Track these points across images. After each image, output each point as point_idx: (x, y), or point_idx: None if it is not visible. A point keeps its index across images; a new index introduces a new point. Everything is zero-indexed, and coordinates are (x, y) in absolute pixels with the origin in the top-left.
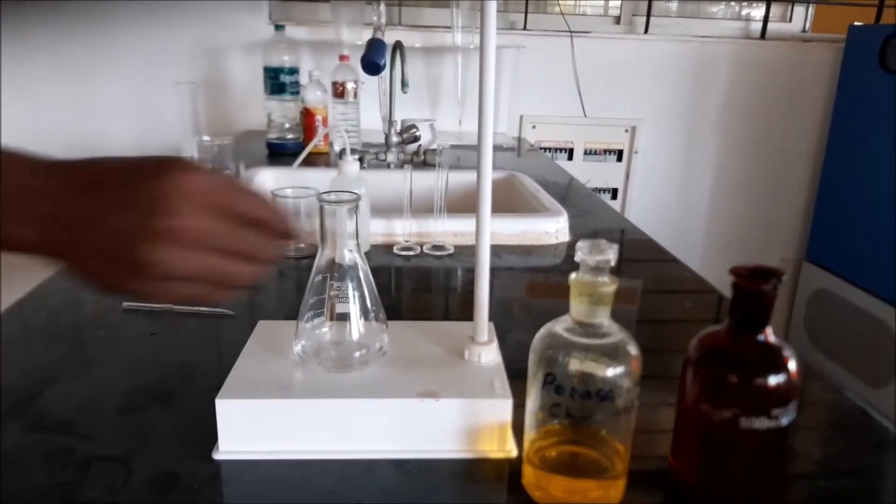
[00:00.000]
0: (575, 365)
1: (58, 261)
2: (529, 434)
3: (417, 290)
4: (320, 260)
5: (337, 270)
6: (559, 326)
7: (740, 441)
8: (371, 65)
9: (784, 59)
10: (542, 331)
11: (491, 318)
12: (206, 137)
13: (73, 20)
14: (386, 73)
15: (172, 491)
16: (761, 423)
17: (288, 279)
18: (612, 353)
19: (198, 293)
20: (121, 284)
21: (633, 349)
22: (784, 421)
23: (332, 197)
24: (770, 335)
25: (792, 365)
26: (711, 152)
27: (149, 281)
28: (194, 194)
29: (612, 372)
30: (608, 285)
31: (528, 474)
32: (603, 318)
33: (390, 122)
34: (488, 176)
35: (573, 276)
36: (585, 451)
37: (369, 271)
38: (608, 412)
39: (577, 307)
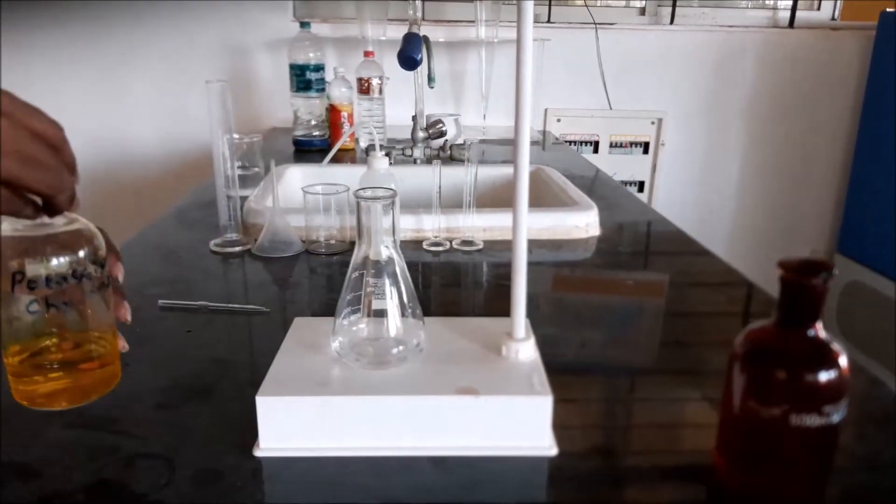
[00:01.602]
0: (38, 257)
1: None
2: (12, 348)
3: (447, 286)
4: (357, 256)
5: (373, 267)
6: (7, 227)
7: (790, 438)
8: (408, 60)
9: (813, 48)
10: None
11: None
12: (235, 135)
13: (100, 20)
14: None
15: (216, 488)
16: (812, 421)
17: (318, 275)
18: (73, 238)
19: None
20: None
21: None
22: (835, 418)
23: (368, 193)
24: (820, 330)
25: (843, 360)
26: (738, 144)
27: None
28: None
29: (75, 256)
30: None
31: (19, 391)
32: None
33: (416, 118)
34: (525, 171)
35: None
36: (73, 340)
37: (406, 267)
38: (86, 293)
39: None
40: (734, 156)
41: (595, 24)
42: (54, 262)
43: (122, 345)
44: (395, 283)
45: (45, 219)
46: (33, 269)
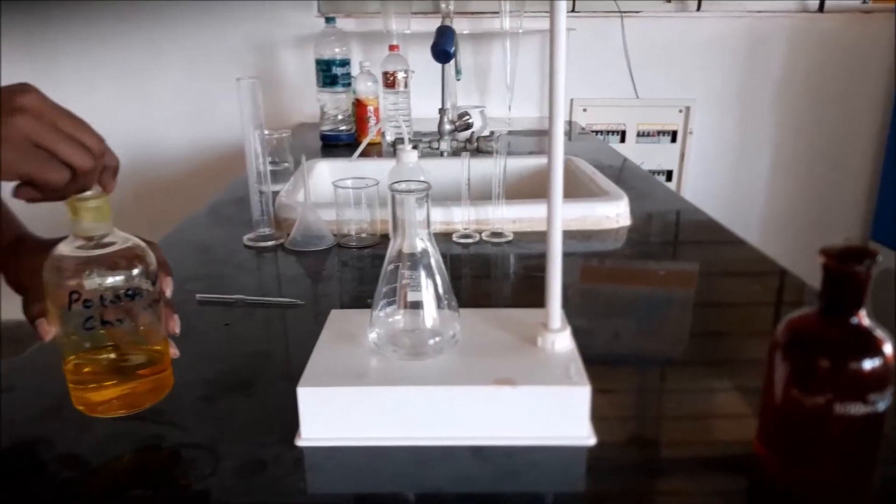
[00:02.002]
0: (94, 276)
1: None
2: (69, 358)
3: (478, 278)
4: (392, 249)
5: (409, 259)
6: (66, 248)
7: (834, 427)
8: (441, 53)
9: (843, 32)
10: (50, 258)
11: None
12: (265, 131)
13: (125, 20)
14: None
15: (260, 477)
16: (857, 409)
17: (350, 268)
18: (127, 257)
19: (34, 163)
20: None
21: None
22: (881, 406)
23: (403, 186)
24: (864, 318)
25: (888, 348)
26: (768, 131)
27: None
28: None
29: (129, 274)
30: (95, 198)
31: (78, 398)
32: (105, 229)
33: (443, 111)
34: (559, 161)
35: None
36: (129, 351)
37: (441, 260)
38: (139, 309)
39: (79, 224)
40: (765, 143)
41: (620, 12)
42: (109, 280)
43: (174, 352)
44: (431, 274)
45: (102, 239)
46: (89, 287)
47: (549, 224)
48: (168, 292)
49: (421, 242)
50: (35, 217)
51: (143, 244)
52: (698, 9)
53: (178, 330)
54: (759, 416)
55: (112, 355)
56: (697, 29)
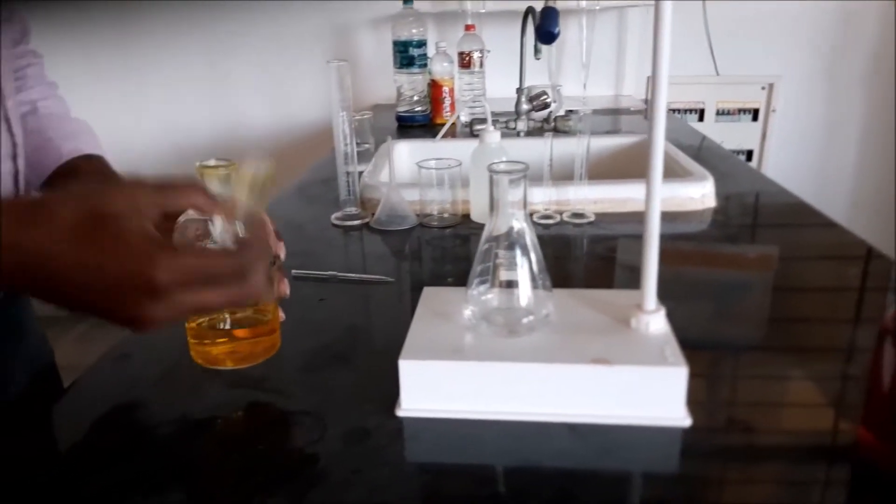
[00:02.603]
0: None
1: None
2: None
3: (559, 259)
4: (489, 228)
5: (505, 238)
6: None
7: None
8: (546, 34)
9: None
10: (179, 221)
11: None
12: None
13: (209, 4)
14: (516, 40)
15: (364, 444)
16: None
17: (433, 247)
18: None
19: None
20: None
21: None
22: None
23: (502, 167)
24: None
25: None
26: (858, 110)
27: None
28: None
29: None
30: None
31: (196, 352)
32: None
33: (521, 90)
34: (660, 143)
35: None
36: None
37: (536, 239)
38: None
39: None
40: (853, 123)
41: None
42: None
43: (282, 315)
44: (526, 254)
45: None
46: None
47: (647, 205)
48: (282, 255)
49: (517, 223)
50: None
51: (262, 213)
52: None
53: (288, 292)
54: (865, 403)
55: (228, 313)
56: (784, 2)
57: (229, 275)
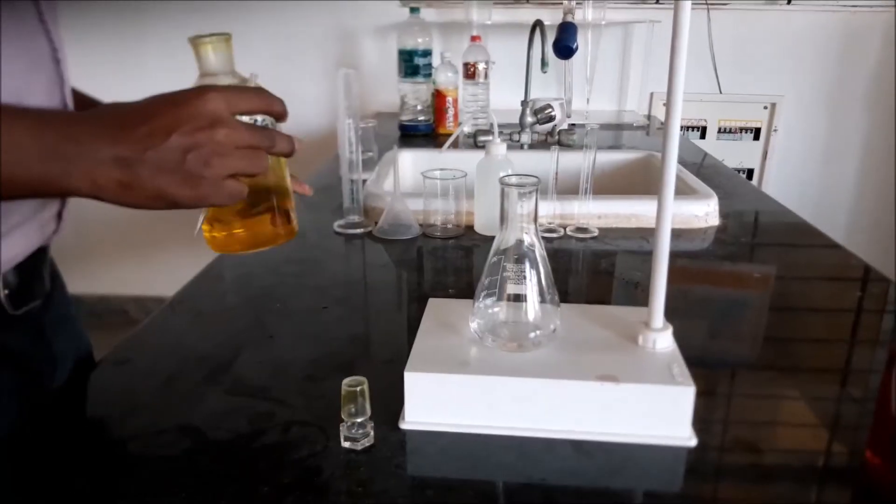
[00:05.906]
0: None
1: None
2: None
3: (562, 273)
4: (498, 241)
5: (514, 252)
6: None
7: None
8: (564, 49)
9: None
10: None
11: (645, 304)
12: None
13: (216, 6)
14: (521, 52)
15: (367, 455)
16: None
17: (436, 258)
18: None
19: (240, 165)
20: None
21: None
22: None
23: (514, 180)
24: None
25: None
26: (859, 131)
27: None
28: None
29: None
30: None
31: (208, 238)
32: (228, 67)
33: (526, 103)
34: (673, 161)
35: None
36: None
37: (545, 254)
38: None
39: (205, 63)
40: (853, 143)
41: (707, 4)
42: (245, 119)
43: (306, 189)
44: (535, 268)
45: (224, 79)
46: None
47: (657, 222)
48: (297, 146)
49: (527, 236)
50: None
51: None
52: (789, 2)
53: (309, 191)
54: (872, 427)
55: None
56: (787, 22)
57: (262, 131)
